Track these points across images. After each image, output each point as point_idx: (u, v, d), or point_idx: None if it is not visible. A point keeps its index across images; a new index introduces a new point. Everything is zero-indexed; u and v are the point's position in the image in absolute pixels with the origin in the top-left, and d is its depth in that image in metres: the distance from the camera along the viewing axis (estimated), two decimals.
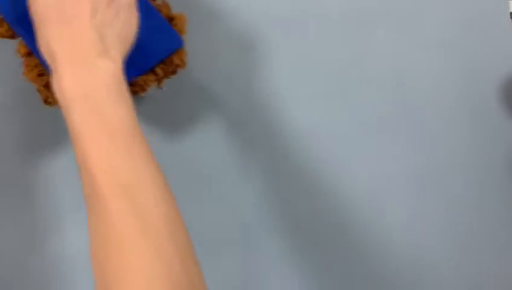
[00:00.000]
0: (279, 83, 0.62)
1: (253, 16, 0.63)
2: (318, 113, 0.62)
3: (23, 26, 0.49)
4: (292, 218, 0.60)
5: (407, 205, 0.61)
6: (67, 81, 0.41)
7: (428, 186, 0.62)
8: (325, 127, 0.61)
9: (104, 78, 0.42)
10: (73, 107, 0.40)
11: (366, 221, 0.60)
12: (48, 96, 0.53)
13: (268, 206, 0.60)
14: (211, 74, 0.62)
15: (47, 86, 0.51)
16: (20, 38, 0.51)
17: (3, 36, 0.52)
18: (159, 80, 0.55)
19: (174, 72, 0.55)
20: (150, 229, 0.38)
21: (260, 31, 0.63)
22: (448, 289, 0.59)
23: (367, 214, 0.60)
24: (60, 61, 0.42)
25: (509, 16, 0.64)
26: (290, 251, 0.59)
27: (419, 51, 0.63)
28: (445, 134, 0.63)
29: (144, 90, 0.54)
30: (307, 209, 0.60)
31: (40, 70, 0.51)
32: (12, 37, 0.52)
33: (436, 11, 0.65)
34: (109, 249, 0.38)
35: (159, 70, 0.54)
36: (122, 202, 0.38)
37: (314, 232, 0.60)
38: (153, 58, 0.53)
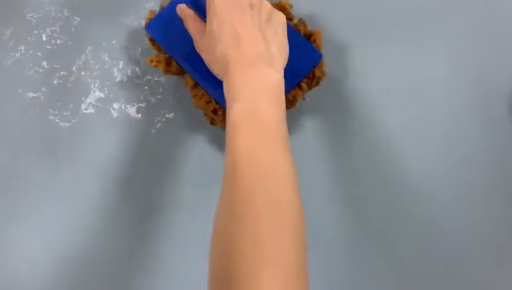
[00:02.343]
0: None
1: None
2: None
3: (189, 62, 0.56)
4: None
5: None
6: (237, 85, 0.46)
7: (437, 193, 0.61)
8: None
9: (271, 86, 0.47)
10: (235, 103, 0.46)
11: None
12: (214, 119, 0.58)
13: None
14: None
15: (214, 111, 0.57)
16: (186, 73, 0.58)
17: (173, 74, 0.59)
18: (304, 93, 0.57)
19: (317, 84, 0.58)
20: (281, 217, 0.41)
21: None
22: None
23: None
24: (232, 67, 0.47)
25: None
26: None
27: (431, 58, 0.63)
28: (458, 140, 0.62)
29: (294, 105, 0.57)
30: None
31: (207, 98, 0.57)
32: (180, 73, 0.59)
33: (448, 19, 0.65)
34: (240, 223, 0.40)
35: (303, 85, 0.57)
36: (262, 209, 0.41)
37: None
38: (297, 74, 0.56)
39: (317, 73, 0.57)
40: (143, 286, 0.58)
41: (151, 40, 0.59)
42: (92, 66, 0.63)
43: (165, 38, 0.57)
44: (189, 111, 0.61)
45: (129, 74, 0.63)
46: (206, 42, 0.51)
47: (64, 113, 0.62)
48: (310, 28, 0.59)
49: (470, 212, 0.59)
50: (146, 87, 0.62)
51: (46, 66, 0.63)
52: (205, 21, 0.52)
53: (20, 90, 0.62)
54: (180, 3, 0.55)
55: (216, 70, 0.51)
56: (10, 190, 0.60)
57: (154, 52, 0.60)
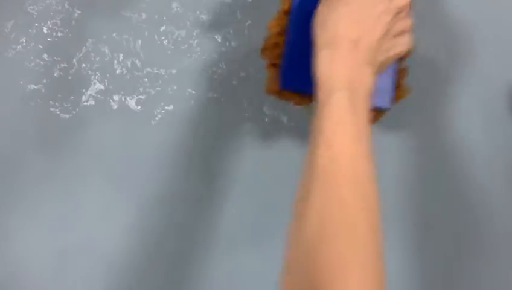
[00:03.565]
0: None
1: None
2: None
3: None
4: None
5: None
6: (340, 69, 0.44)
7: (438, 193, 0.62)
8: None
9: (367, 82, 0.44)
10: (335, 92, 0.43)
11: None
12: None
13: None
14: None
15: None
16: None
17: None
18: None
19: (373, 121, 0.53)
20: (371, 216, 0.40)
21: None
22: None
23: None
24: (338, 45, 0.45)
25: None
26: None
27: None
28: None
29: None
30: None
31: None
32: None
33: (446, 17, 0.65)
34: (332, 209, 0.39)
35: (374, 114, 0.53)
36: (356, 198, 0.40)
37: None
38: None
39: (376, 115, 0.54)
40: (143, 279, 0.58)
41: (284, 94, 0.55)
42: (92, 59, 0.63)
43: (303, 82, 0.51)
44: (188, 103, 0.62)
45: (129, 66, 0.63)
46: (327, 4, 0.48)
47: (65, 105, 0.62)
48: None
49: None
50: (146, 80, 0.63)
51: (47, 58, 0.64)
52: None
53: (21, 82, 0.63)
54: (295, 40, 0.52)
55: (317, 34, 0.47)
56: (10, 180, 0.60)
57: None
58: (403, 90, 0.55)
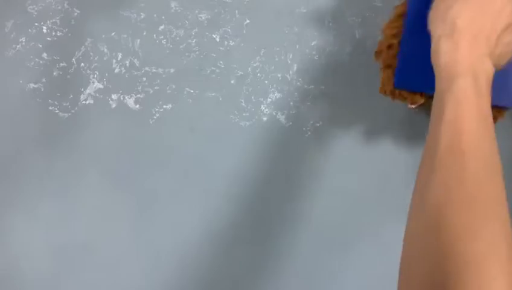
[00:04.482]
0: None
1: None
2: None
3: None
4: None
5: None
6: (462, 56, 0.45)
7: None
8: None
9: (488, 70, 0.45)
10: (459, 78, 0.43)
11: None
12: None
13: None
14: None
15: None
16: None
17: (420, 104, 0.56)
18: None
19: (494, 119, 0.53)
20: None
21: None
22: None
23: None
24: (459, 35, 0.45)
25: None
26: None
27: None
28: None
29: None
30: None
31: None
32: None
33: None
34: (457, 206, 0.38)
35: (495, 113, 0.54)
36: (481, 170, 0.40)
37: None
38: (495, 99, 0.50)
39: (497, 114, 0.55)
40: (141, 276, 0.59)
41: (398, 93, 0.56)
42: (91, 58, 0.64)
43: (416, 81, 0.55)
44: (186, 102, 0.62)
45: (127, 65, 0.64)
46: None
47: (64, 104, 0.63)
48: None
49: None
50: (144, 79, 0.63)
51: (46, 58, 0.64)
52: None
53: (20, 81, 0.63)
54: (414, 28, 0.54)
55: (435, 25, 0.48)
56: (10, 178, 0.61)
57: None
58: None
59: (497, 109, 0.55)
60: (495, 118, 0.55)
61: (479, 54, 0.46)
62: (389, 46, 0.56)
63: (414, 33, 0.54)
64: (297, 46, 0.63)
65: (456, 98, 0.43)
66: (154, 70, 0.63)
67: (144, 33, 0.64)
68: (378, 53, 0.58)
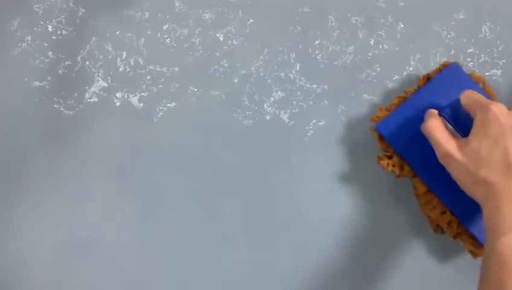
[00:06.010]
0: None
1: None
2: None
3: (425, 168, 0.54)
4: None
5: None
6: (508, 218, 0.44)
7: None
8: None
9: None
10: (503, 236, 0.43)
11: None
12: (439, 227, 0.55)
13: None
14: None
15: (448, 223, 0.53)
16: (416, 177, 0.55)
17: (404, 177, 0.56)
18: None
19: None
20: None
21: None
22: None
23: None
24: (498, 196, 0.45)
25: None
26: None
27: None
28: None
29: None
30: None
31: (441, 209, 0.54)
32: (411, 176, 0.56)
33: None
34: None
35: None
36: None
37: None
38: None
39: None
40: (144, 274, 0.59)
41: (380, 139, 0.57)
42: (96, 56, 0.64)
43: (398, 140, 0.56)
44: (190, 101, 0.63)
45: (132, 64, 0.64)
46: (462, 159, 0.48)
47: (69, 102, 0.63)
48: None
49: None
50: (148, 77, 0.64)
51: (51, 56, 0.65)
52: (450, 130, 0.52)
53: (26, 79, 0.64)
54: (415, 105, 0.55)
55: (471, 191, 0.48)
56: (14, 175, 0.61)
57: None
58: None
59: None
60: None
61: None
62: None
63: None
64: (300, 46, 0.64)
65: (503, 263, 0.42)
66: (158, 69, 0.64)
67: (148, 32, 0.64)
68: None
